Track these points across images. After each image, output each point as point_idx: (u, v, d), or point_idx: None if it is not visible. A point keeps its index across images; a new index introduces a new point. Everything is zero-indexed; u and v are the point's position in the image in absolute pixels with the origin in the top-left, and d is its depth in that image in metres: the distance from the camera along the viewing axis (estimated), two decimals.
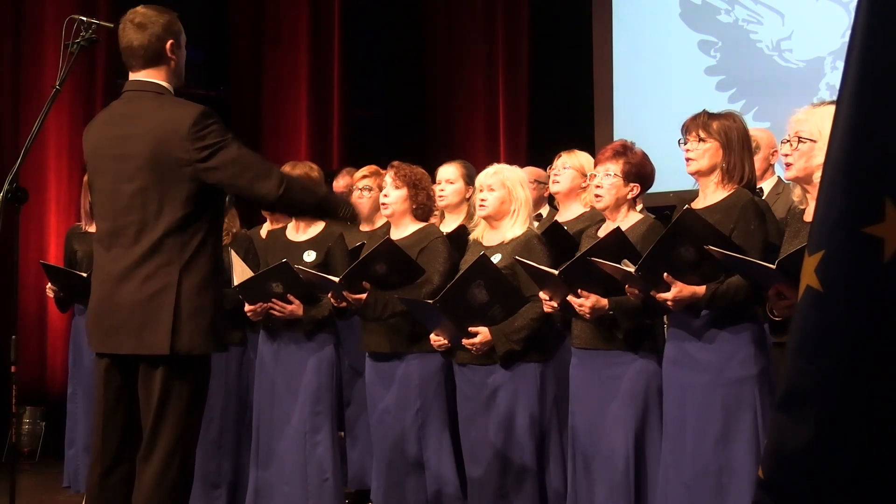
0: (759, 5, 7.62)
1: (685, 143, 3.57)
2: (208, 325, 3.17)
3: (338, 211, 3.41)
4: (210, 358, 3.29)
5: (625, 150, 3.87)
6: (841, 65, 1.85)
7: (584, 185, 4.46)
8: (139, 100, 3.25)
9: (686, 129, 3.58)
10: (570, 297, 3.69)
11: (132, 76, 3.29)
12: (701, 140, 3.52)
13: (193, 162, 3.12)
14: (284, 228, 4.81)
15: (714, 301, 3.39)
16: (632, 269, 3.42)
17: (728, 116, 3.57)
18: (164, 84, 3.26)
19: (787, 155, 3.31)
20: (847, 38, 1.96)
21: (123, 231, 3.17)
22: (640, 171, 3.85)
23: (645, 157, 3.90)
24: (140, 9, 3.28)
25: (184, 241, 3.14)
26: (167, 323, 3.10)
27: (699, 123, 3.55)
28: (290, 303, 4.48)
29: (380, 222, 4.92)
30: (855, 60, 1.73)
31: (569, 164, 4.51)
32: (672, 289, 3.37)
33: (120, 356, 3.21)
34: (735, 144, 3.51)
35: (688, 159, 3.56)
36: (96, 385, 3.32)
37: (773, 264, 3.19)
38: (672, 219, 3.68)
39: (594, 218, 4.25)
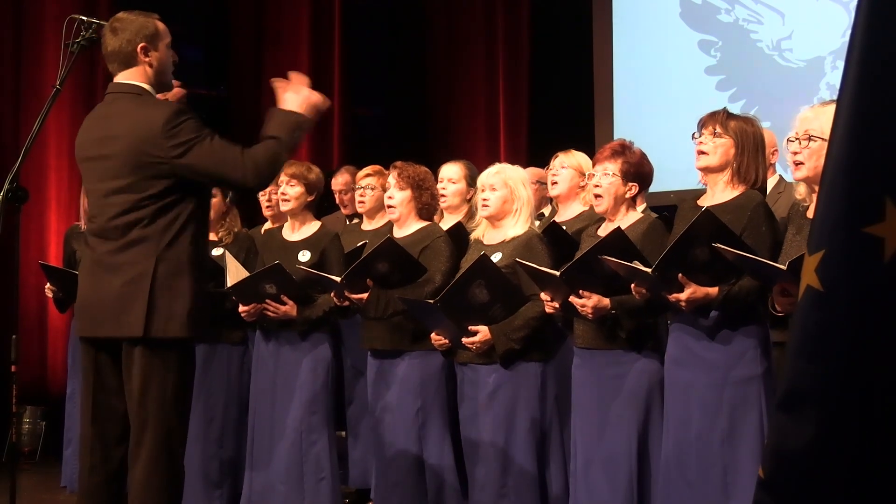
0: (759, 5, 7.62)
1: (699, 137, 3.57)
2: (185, 311, 3.23)
3: (297, 141, 3.38)
4: (193, 347, 3.35)
5: (623, 149, 3.87)
6: (841, 65, 1.85)
7: (582, 184, 4.46)
8: (118, 101, 3.34)
9: (703, 123, 3.58)
10: (571, 298, 3.69)
11: (114, 79, 3.38)
12: (716, 135, 3.52)
13: (169, 159, 3.21)
14: (280, 228, 4.82)
15: (726, 303, 3.39)
16: (643, 269, 3.41)
17: (746, 119, 3.57)
18: (144, 85, 3.34)
19: (795, 153, 3.30)
20: (847, 38, 1.96)
21: (107, 228, 3.27)
22: (638, 170, 3.85)
23: (643, 156, 3.89)
24: (121, 14, 3.39)
25: (161, 231, 3.23)
26: (142, 306, 3.19)
27: (717, 119, 3.55)
28: (284, 304, 4.49)
29: (382, 221, 4.92)
30: (855, 60, 1.73)
31: (566, 164, 4.51)
32: (686, 289, 3.37)
33: (104, 343, 3.29)
34: (749, 147, 3.51)
35: (699, 152, 3.56)
36: (84, 375, 3.40)
37: (780, 263, 3.19)
38: (676, 217, 3.69)
39: (594, 217, 4.24)
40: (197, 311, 3.26)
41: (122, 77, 3.34)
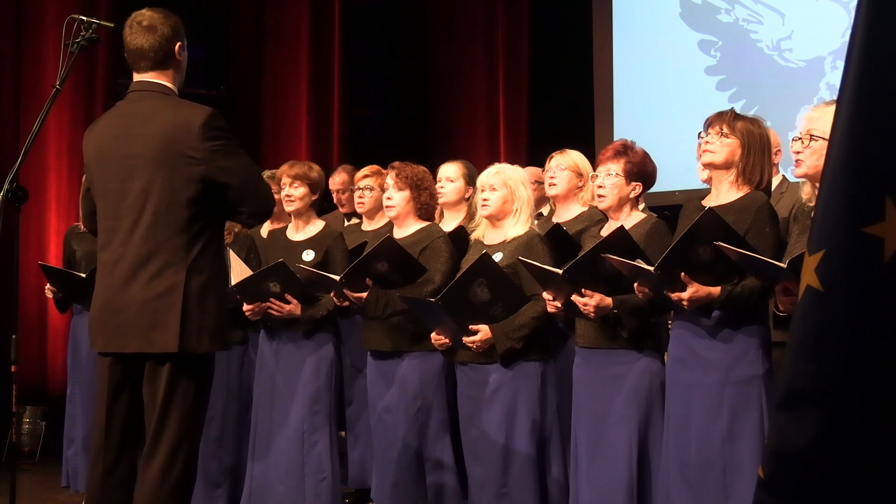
0: (759, 5, 7.62)
1: (706, 135, 3.56)
2: (214, 324, 3.18)
3: None
4: (214, 357, 3.30)
5: (626, 149, 3.88)
6: (841, 65, 1.85)
7: (580, 184, 4.45)
8: (146, 100, 3.25)
9: (710, 122, 3.58)
10: (573, 297, 3.70)
11: (138, 77, 3.29)
12: (723, 135, 3.52)
13: (203, 161, 3.14)
14: (284, 228, 4.82)
15: (729, 302, 3.39)
16: (645, 267, 3.42)
17: (753, 121, 3.57)
18: (169, 85, 3.28)
19: (798, 152, 3.31)
20: (847, 38, 1.96)
21: (129, 230, 3.18)
22: (641, 169, 3.86)
23: (646, 155, 3.90)
24: (146, 11, 3.29)
25: (189, 241, 3.15)
26: (175, 322, 3.11)
27: (724, 119, 3.55)
28: (288, 302, 4.49)
29: (382, 221, 4.92)
30: (855, 60, 1.73)
31: (563, 165, 4.49)
32: (688, 288, 3.37)
33: (124, 355, 3.21)
34: (755, 148, 3.51)
35: (704, 150, 3.56)
36: (98, 383, 3.31)
37: (783, 263, 3.19)
38: (681, 217, 3.69)
39: (593, 218, 4.24)
40: (224, 324, 3.24)
41: (149, 76, 3.26)
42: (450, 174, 4.64)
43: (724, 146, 3.52)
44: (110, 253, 3.22)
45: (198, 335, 3.14)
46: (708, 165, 3.58)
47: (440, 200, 4.65)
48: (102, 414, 3.28)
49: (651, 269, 3.39)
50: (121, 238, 3.19)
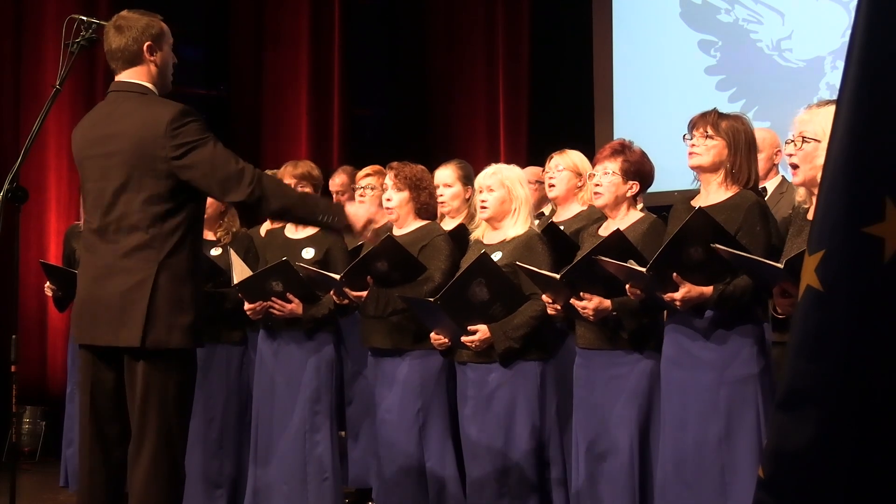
0: (759, 5, 7.62)
1: (691, 138, 3.57)
2: (186, 321, 3.20)
3: (316, 216, 3.34)
4: (195, 353, 3.32)
5: (623, 148, 3.88)
6: (841, 65, 1.85)
7: (579, 184, 4.46)
8: (121, 100, 3.31)
9: (694, 124, 3.58)
10: (572, 300, 3.70)
11: (116, 78, 3.36)
12: (708, 137, 3.52)
13: (169, 158, 3.18)
14: (283, 227, 4.82)
15: (721, 302, 3.39)
16: (638, 269, 3.41)
17: (737, 118, 3.57)
18: (147, 85, 3.32)
19: (791, 155, 3.31)
20: (847, 38, 1.96)
21: (107, 228, 3.23)
22: (638, 168, 3.86)
23: (643, 154, 3.91)
24: (124, 13, 3.36)
25: (164, 237, 3.19)
26: (140, 316, 3.15)
27: (708, 120, 3.54)
28: (290, 301, 4.48)
29: (382, 221, 4.91)
30: (855, 60, 1.73)
31: (562, 166, 4.50)
32: (681, 289, 3.37)
33: (104, 349, 3.26)
34: (741, 146, 3.51)
35: (691, 153, 3.56)
36: (82, 378, 3.36)
37: (779, 264, 3.19)
38: (670, 218, 3.69)
39: (592, 216, 4.24)
40: (198, 320, 3.25)
41: (126, 76, 3.32)
42: (446, 180, 4.59)
43: (710, 148, 3.52)
44: (91, 249, 3.29)
45: (168, 330, 3.16)
46: (696, 168, 3.58)
47: (443, 209, 4.62)
48: (86, 409, 3.31)
49: (643, 270, 3.39)
50: (100, 236, 3.25)
